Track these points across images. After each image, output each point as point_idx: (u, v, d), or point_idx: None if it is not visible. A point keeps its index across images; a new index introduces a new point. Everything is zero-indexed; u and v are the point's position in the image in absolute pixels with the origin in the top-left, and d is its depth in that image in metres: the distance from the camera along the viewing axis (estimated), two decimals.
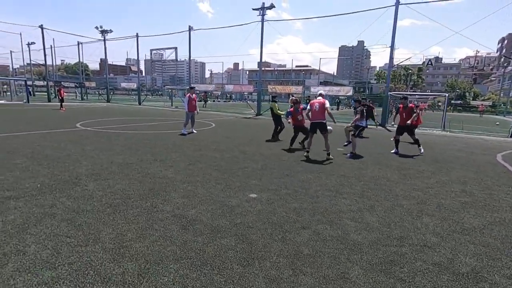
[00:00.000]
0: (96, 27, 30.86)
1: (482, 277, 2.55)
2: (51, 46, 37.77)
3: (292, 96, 12.93)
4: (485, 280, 2.51)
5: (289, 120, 8.56)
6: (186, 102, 10.50)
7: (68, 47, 45.84)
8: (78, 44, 34.39)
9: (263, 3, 20.65)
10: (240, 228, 3.29)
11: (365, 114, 8.71)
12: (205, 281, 2.35)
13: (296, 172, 5.82)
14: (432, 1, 15.82)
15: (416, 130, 8.79)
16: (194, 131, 10.76)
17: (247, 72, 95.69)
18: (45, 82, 34.56)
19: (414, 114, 7.95)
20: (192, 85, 14.82)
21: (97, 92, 43.71)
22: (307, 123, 7.77)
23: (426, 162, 7.27)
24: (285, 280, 2.40)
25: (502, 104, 46.41)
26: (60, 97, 20.09)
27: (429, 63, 17.66)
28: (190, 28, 25.04)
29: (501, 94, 51.85)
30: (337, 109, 38.03)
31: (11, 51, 49.21)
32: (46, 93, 33.01)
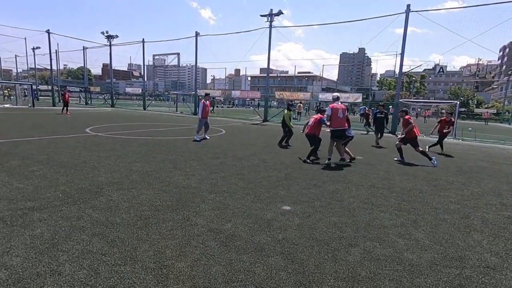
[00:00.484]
0: (102, 32, 30.87)
1: None
2: (56, 50, 37.78)
3: (318, 104, 12.73)
4: None
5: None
6: (200, 108, 10.33)
7: (69, 52, 45.94)
8: (84, 49, 34.39)
9: (271, 9, 20.65)
10: (284, 245, 3.06)
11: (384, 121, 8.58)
12: None
13: (323, 182, 5.59)
14: (443, 9, 15.73)
15: (427, 138, 8.61)
16: (207, 137, 10.59)
17: (249, 78, 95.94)
18: (49, 86, 34.54)
19: (409, 126, 7.82)
20: (207, 92, 14.69)
21: (100, 97, 43.70)
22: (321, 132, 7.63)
23: (452, 172, 7.05)
24: None
25: (507, 112, 46.26)
26: (64, 101, 19.93)
27: (441, 70, 17.40)
28: (197, 34, 25.01)
29: (506, 102, 51.75)
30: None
31: (16, 56, 49.34)
32: (49, 98, 32.96)
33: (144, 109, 30.38)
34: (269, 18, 20.73)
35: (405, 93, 60.07)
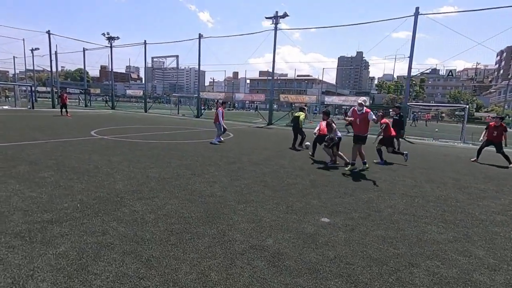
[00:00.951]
0: (103, 34, 30.50)
1: None
2: (55, 52, 37.33)
3: (325, 107, 12.56)
4: None
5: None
6: (220, 116, 10.49)
7: (66, 54, 45.54)
8: (84, 50, 33.99)
9: (276, 12, 20.43)
10: (339, 265, 2.75)
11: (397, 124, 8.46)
12: None
13: (353, 190, 5.29)
14: (453, 12, 15.60)
15: (436, 142, 8.53)
16: (221, 139, 10.75)
17: (248, 81, 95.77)
18: (47, 88, 34.03)
19: (382, 127, 8.05)
20: (224, 100, 15.26)
21: (99, 99, 43.29)
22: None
23: (480, 179, 6.77)
24: None
25: (507, 116, 46.34)
26: (62, 103, 19.44)
27: (450, 74, 17.23)
28: (200, 36, 24.73)
29: (506, 106, 51.91)
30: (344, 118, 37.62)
31: (14, 57, 48.75)
32: (47, 99, 32.47)
33: (145, 111, 29.98)
34: (274, 20, 20.52)
35: (402, 97, 60.20)
